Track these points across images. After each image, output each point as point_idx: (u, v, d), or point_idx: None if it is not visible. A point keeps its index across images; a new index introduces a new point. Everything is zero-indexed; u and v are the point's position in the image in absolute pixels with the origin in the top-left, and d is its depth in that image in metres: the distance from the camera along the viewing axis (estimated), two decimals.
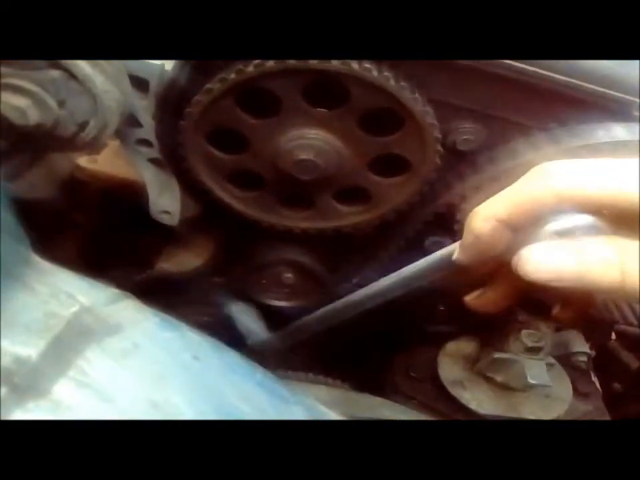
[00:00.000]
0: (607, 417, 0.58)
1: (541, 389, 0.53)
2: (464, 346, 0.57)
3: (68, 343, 0.25)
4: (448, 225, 0.46)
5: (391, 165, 0.43)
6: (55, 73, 0.34)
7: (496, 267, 0.31)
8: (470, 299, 0.36)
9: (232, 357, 0.33)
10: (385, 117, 0.39)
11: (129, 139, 0.43)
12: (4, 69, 0.33)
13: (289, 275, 0.54)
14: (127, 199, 0.52)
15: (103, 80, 0.35)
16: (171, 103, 0.41)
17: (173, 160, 0.45)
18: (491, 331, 0.55)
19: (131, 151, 0.45)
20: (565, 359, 0.59)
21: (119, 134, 0.43)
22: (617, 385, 0.70)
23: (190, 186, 0.47)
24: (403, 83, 0.38)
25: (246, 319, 0.56)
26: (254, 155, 0.43)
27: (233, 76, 0.38)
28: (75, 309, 0.26)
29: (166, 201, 0.48)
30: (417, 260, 0.36)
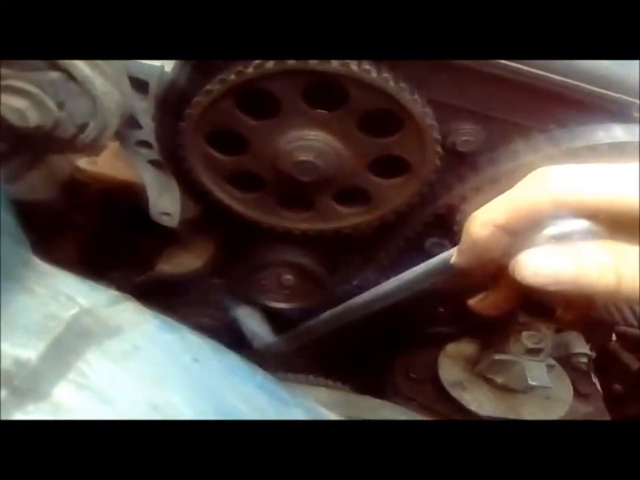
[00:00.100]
0: (608, 418, 0.58)
1: (542, 390, 0.53)
2: (464, 347, 0.57)
3: (68, 345, 0.25)
4: (448, 226, 0.46)
5: (391, 166, 0.43)
6: (55, 75, 0.34)
7: (497, 271, 0.31)
8: (473, 302, 0.36)
9: (232, 359, 0.33)
10: (385, 118, 0.39)
11: (129, 140, 0.43)
12: (3, 71, 0.33)
13: (289, 276, 0.54)
14: (126, 200, 0.52)
15: (103, 81, 0.35)
16: (171, 105, 0.41)
17: (172, 161, 0.45)
18: (491, 332, 0.55)
19: (131, 153, 0.45)
20: (566, 360, 0.59)
21: (119, 135, 0.43)
22: (617, 386, 0.70)
23: (190, 187, 0.47)
24: (402, 84, 0.38)
25: (251, 322, 0.56)
26: (254, 156, 0.43)
27: (232, 77, 0.38)
28: (74, 311, 0.26)
29: (166, 203, 0.48)
30: (417, 261, 0.36)
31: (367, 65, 0.37)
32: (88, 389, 0.24)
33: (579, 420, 0.55)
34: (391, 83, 0.37)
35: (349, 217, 0.47)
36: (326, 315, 0.45)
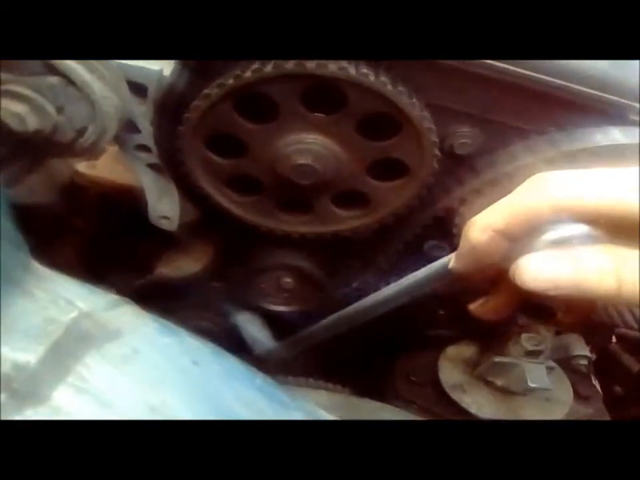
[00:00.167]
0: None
1: (542, 392, 0.53)
2: (464, 350, 0.57)
3: (67, 349, 0.25)
4: (447, 228, 0.46)
5: (389, 169, 0.43)
6: (54, 79, 0.34)
7: (497, 276, 0.32)
8: (473, 307, 0.36)
9: (231, 362, 0.33)
10: (383, 122, 0.40)
11: (128, 144, 0.44)
12: (3, 76, 0.33)
13: (288, 280, 0.54)
14: (125, 204, 0.52)
15: (101, 86, 0.35)
16: (169, 109, 0.41)
17: (171, 165, 0.45)
18: (491, 335, 0.55)
19: (130, 157, 0.45)
20: (566, 363, 0.58)
21: (118, 139, 0.43)
22: (617, 388, 0.70)
23: (189, 191, 0.47)
24: (400, 88, 0.38)
25: (252, 328, 0.56)
26: (252, 160, 0.43)
27: (230, 81, 0.38)
28: (74, 314, 0.26)
29: (165, 206, 0.48)
30: (416, 263, 0.36)
31: (364, 69, 0.37)
32: (87, 392, 0.24)
33: (577, 420, 0.55)
34: (389, 87, 0.37)
35: (348, 220, 0.47)
36: (326, 321, 0.45)
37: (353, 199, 0.45)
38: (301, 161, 0.41)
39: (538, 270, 0.26)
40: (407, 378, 0.58)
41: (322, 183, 0.42)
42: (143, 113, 0.41)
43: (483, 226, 0.28)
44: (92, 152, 0.39)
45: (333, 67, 0.37)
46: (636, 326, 0.64)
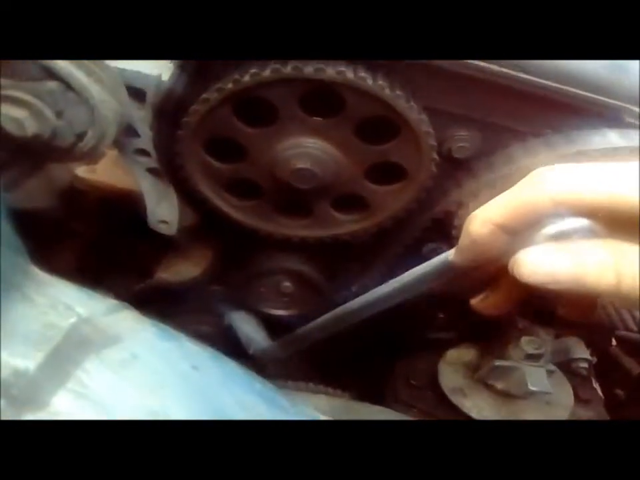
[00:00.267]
0: None
1: (542, 395, 0.53)
2: (464, 353, 0.57)
3: (66, 354, 0.25)
4: (446, 231, 0.46)
5: (388, 172, 0.43)
6: (53, 84, 0.34)
7: (497, 271, 0.31)
8: (475, 302, 0.36)
9: (231, 367, 0.33)
10: (381, 125, 0.40)
11: (127, 148, 0.44)
12: (2, 81, 0.33)
13: (288, 284, 0.54)
14: (125, 208, 0.52)
15: (100, 90, 0.35)
16: (168, 113, 0.42)
17: (170, 169, 0.45)
18: (490, 338, 0.55)
19: (129, 161, 0.45)
20: (566, 366, 0.58)
21: (117, 144, 0.43)
22: (618, 391, 0.70)
23: (188, 195, 0.47)
24: (398, 92, 0.38)
25: (247, 327, 0.56)
26: (251, 164, 0.43)
27: (229, 86, 0.38)
28: (73, 320, 0.26)
29: (164, 211, 0.48)
30: (415, 266, 0.36)
31: (362, 73, 0.37)
32: (87, 397, 0.24)
33: (576, 420, 0.54)
34: (387, 91, 0.37)
35: (347, 224, 0.47)
36: (322, 319, 0.45)
37: (351, 202, 0.46)
38: (300, 165, 0.41)
39: (537, 263, 0.26)
40: (407, 382, 0.58)
41: (321, 186, 0.42)
42: (142, 118, 0.41)
43: (483, 220, 0.28)
44: (91, 156, 0.39)
45: (331, 71, 0.37)
46: (636, 328, 0.64)
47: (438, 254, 0.34)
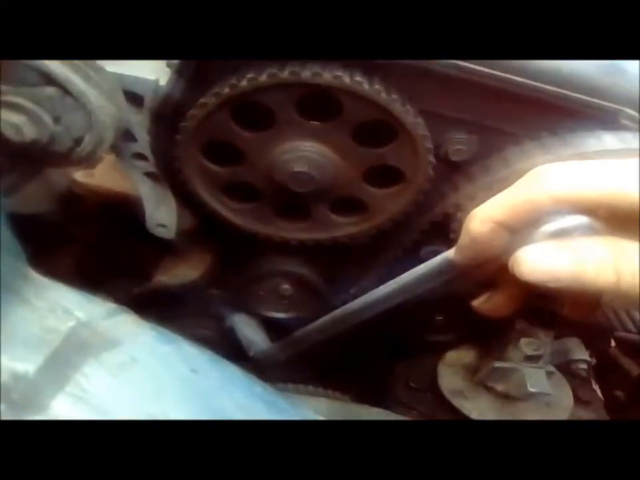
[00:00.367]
0: None
1: (542, 397, 0.53)
2: (463, 355, 0.57)
3: (65, 358, 0.25)
4: (444, 233, 0.46)
5: (386, 175, 0.43)
6: (51, 90, 0.34)
7: (498, 270, 0.31)
8: (477, 303, 0.36)
9: (230, 370, 0.33)
10: (379, 128, 0.40)
11: (125, 153, 0.44)
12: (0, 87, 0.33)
13: (287, 286, 0.54)
14: (123, 212, 0.52)
15: (98, 95, 0.35)
16: (166, 118, 0.42)
17: (168, 173, 0.45)
18: (490, 339, 0.55)
19: (127, 165, 0.45)
20: (565, 367, 0.58)
21: (115, 148, 0.43)
22: (618, 393, 0.70)
23: (186, 199, 0.47)
24: (394, 96, 0.38)
25: (247, 330, 0.56)
26: (249, 168, 0.43)
27: (226, 90, 0.38)
28: (72, 323, 0.26)
29: (162, 214, 0.48)
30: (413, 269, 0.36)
31: (358, 77, 0.37)
32: (86, 401, 0.24)
33: (575, 420, 0.54)
34: (383, 95, 0.38)
35: (346, 227, 0.47)
36: (319, 321, 0.45)
37: (350, 205, 0.46)
38: (298, 168, 0.41)
39: (536, 261, 0.26)
40: (407, 384, 0.58)
41: (319, 190, 0.42)
42: (139, 122, 0.41)
43: (483, 218, 0.28)
44: (89, 161, 0.39)
45: (327, 76, 0.37)
46: (634, 330, 0.64)
47: (436, 256, 0.34)
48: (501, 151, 0.42)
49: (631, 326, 0.64)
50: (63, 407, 0.24)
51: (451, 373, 0.56)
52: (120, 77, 0.38)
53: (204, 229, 0.51)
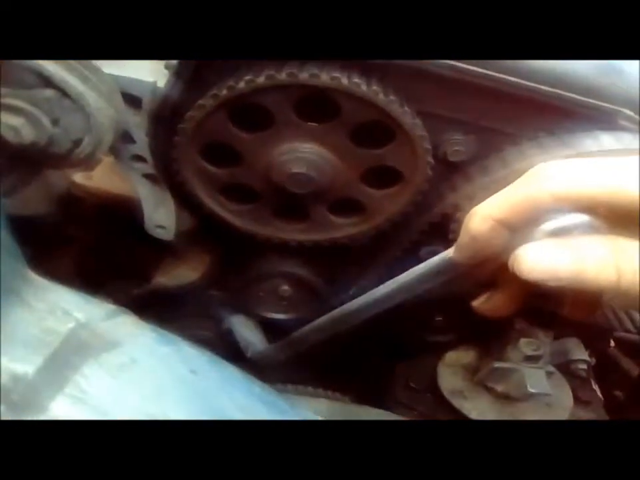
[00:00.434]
0: None
1: (542, 397, 0.53)
2: (463, 356, 0.57)
3: (65, 359, 0.25)
4: (443, 234, 0.46)
5: (384, 176, 0.43)
6: (49, 92, 0.35)
7: (499, 270, 0.31)
8: (477, 304, 0.36)
9: (230, 371, 0.33)
10: (376, 129, 0.40)
11: (123, 155, 0.44)
12: None
13: (286, 288, 0.54)
14: (122, 214, 0.53)
15: (96, 97, 0.36)
16: (164, 119, 0.42)
17: (167, 175, 0.45)
18: (489, 340, 0.55)
19: (126, 167, 0.45)
20: (565, 367, 0.58)
21: (113, 150, 0.43)
22: (618, 393, 0.70)
23: (185, 200, 0.47)
24: (391, 97, 0.38)
25: (245, 331, 0.56)
26: (247, 169, 0.43)
27: (224, 92, 0.38)
28: (71, 325, 0.26)
29: (161, 216, 0.48)
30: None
31: (356, 79, 0.37)
32: (85, 402, 0.24)
33: (575, 420, 0.54)
34: (381, 96, 0.38)
35: (344, 228, 0.47)
36: (318, 321, 0.45)
37: (348, 206, 0.46)
38: (296, 169, 0.41)
39: (536, 260, 0.26)
40: (407, 384, 0.58)
41: (317, 191, 0.42)
42: (137, 124, 0.41)
43: (483, 215, 0.28)
44: (88, 163, 0.39)
45: (325, 77, 0.37)
46: (634, 329, 0.64)
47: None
48: (499, 151, 0.42)
49: (630, 326, 0.64)
50: (63, 408, 0.24)
51: (451, 373, 0.56)
52: (118, 79, 0.38)
53: (203, 230, 0.52)
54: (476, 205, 0.29)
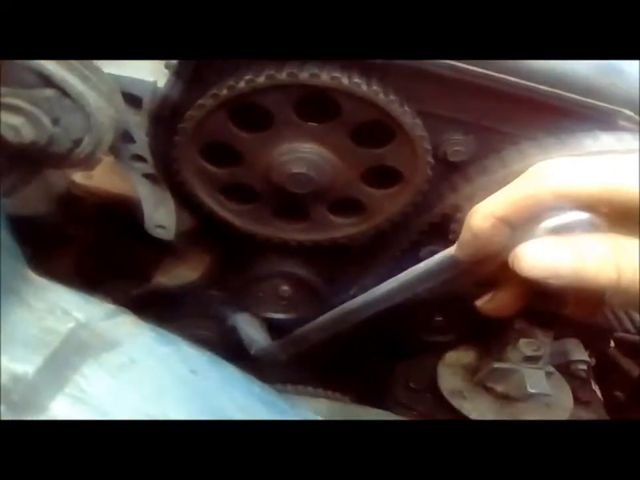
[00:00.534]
0: None
1: (542, 398, 0.53)
2: (463, 356, 0.57)
3: (65, 359, 0.25)
4: (443, 234, 0.46)
5: (384, 176, 0.43)
6: (49, 92, 0.35)
7: (501, 268, 0.31)
8: (480, 304, 0.36)
9: (230, 371, 0.33)
10: (376, 129, 0.40)
11: (123, 154, 0.44)
12: None
13: (286, 287, 0.54)
14: (122, 214, 0.53)
15: (96, 97, 0.36)
16: (164, 119, 0.42)
17: (167, 175, 0.45)
18: (489, 340, 0.55)
19: (126, 167, 0.45)
20: (565, 368, 0.58)
21: (113, 150, 0.43)
22: (618, 393, 0.70)
23: (185, 200, 0.47)
24: (392, 97, 0.38)
25: (249, 328, 0.56)
26: (247, 169, 0.43)
27: (224, 92, 0.38)
28: (71, 324, 0.26)
29: (161, 216, 0.48)
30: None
31: (356, 78, 0.37)
32: (85, 402, 0.24)
33: (575, 420, 0.54)
34: (381, 96, 0.38)
35: (344, 227, 0.47)
36: (320, 319, 0.45)
37: (348, 206, 0.46)
38: (296, 169, 0.41)
39: (537, 257, 0.26)
40: (406, 384, 0.58)
41: (317, 191, 0.42)
42: (138, 124, 0.41)
43: (485, 213, 0.28)
44: (88, 162, 0.39)
45: (325, 77, 0.37)
46: (634, 330, 0.64)
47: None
48: (499, 151, 0.42)
49: (630, 326, 0.64)
50: (63, 408, 0.24)
51: (451, 373, 0.56)
52: (118, 79, 0.38)
53: (203, 230, 0.52)
54: (476, 204, 0.29)
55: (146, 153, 0.44)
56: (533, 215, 0.26)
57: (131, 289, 0.54)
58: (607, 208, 0.25)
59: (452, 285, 0.35)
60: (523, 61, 0.38)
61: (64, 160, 0.38)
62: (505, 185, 0.28)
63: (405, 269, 0.37)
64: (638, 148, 0.38)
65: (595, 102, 0.38)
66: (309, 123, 0.40)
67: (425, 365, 0.58)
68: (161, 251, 0.54)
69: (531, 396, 0.51)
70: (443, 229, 0.46)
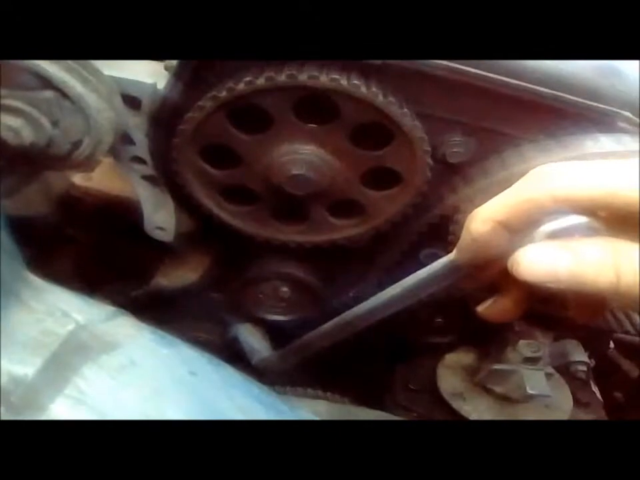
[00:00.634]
0: None
1: (541, 399, 0.53)
2: (462, 357, 0.57)
3: (64, 361, 0.25)
4: (442, 235, 0.46)
5: (383, 177, 0.43)
6: (49, 94, 0.35)
7: (502, 274, 0.31)
8: (482, 309, 0.36)
9: (229, 372, 0.33)
10: (376, 131, 0.40)
11: (123, 156, 0.44)
12: None
13: (285, 289, 0.54)
14: (121, 215, 0.53)
15: (96, 99, 0.36)
16: (164, 121, 0.42)
17: (166, 176, 0.45)
18: (488, 341, 0.55)
19: (125, 168, 0.45)
20: (564, 369, 0.58)
21: (113, 151, 0.43)
22: (617, 394, 0.70)
23: (184, 202, 0.47)
24: (391, 98, 0.38)
25: (251, 339, 0.56)
26: (247, 171, 0.43)
27: (224, 94, 0.38)
28: (70, 326, 0.26)
29: (160, 217, 0.48)
30: (412, 271, 0.36)
31: (355, 80, 0.37)
32: (85, 403, 0.24)
33: (575, 420, 0.54)
34: (380, 97, 0.38)
35: (344, 229, 0.47)
36: (322, 328, 0.45)
37: (348, 207, 0.46)
38: (295, 171, 0.41)
39: (536, 261, 0.26)
40: (406, 386, 0.58)
41: (317, 192, 0.42)
42: (137, 125, 0.41)
43: (484, 217, 0.28)
44: (87, 164, 0.39)
45: (324, 79, 0.37)
46: (633, 331, 0.64)
47: (435, 259, 0.34)
48: (499, 153, 0.42)
49: (629, 328, 0.64)
50: (62, 410, 0.24)
51: (451, 374, 0.56)
52: (118, 80, 0.38)
53: (202, 231, 0.52)
54: (475, 206, 0.29)
55: (145, 155, 0.44)
56: (533, 219, 0.27)
57: (130, 290, 0.54)
58: (606, 212, 0.25)
59: (453, 288, 0.35)
60: (523, 62, 0.38)
61: (63, 161, 0.38)
62: (504, 187, 0.28)
63: (405, 271, 0.37)
64: (637, 149, 0.38)
65: (594, 104, 0.38)
66: (308, 125, 0.40)
67: (425, 366, 0.58)
68: (160, 253, 0.54)
69: (531, 397, 0.52)
70: (442, 231, 0.46)
